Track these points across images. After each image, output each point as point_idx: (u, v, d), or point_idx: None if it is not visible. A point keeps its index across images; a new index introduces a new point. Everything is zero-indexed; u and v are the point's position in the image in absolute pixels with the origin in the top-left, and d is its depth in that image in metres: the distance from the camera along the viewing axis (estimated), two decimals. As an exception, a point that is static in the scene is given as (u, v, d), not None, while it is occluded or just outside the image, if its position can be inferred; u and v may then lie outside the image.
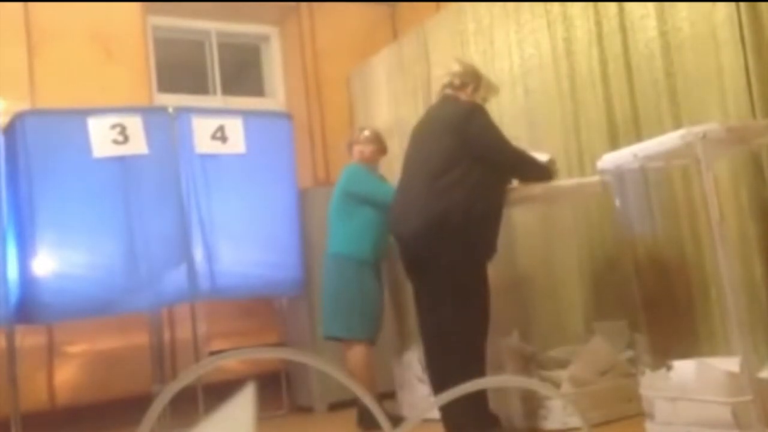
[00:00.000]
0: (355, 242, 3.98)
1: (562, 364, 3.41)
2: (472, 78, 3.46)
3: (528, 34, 4.14)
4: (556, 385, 3.24)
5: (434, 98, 3.67)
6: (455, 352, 3.13)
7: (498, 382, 3.40)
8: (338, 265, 3.99)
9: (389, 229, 3.60)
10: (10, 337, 4.08)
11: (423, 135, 3.46)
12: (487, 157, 3.23)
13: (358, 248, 3.96)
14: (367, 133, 4.26)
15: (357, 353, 3.89)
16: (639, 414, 2.97)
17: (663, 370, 2.90)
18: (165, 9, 5.39)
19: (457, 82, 3.44)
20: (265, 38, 6.08)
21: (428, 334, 3.31)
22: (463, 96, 3.41)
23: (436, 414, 3.13)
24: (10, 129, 4.19)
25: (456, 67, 3.50)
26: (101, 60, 4.99)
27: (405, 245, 3.37)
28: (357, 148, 4.19)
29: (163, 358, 4.54)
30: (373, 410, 1.64)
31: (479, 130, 3.26)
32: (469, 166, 3.19)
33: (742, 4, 3.04)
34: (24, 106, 4.45)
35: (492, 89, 3.59)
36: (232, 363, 4.34)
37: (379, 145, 4.23)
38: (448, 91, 3.46)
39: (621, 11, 3.58)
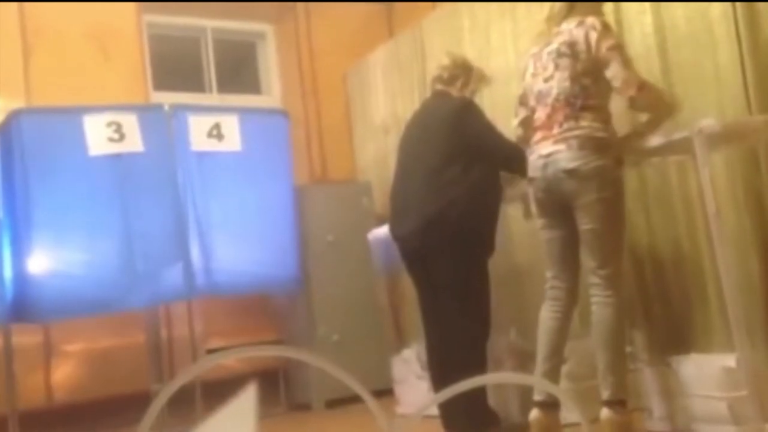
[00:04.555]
0: None
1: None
2: (462, 71, 3.44)
3: (524, 31, 4.13)
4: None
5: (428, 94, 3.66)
6: (457, 349, 3.13)
7: (497, 378, 3.40)
8: None
9: (390, 228, 3.55)
10: (7, 336, 4.07)
11: (416, 132, 3.45)
12: (480, 152, 3.22)
13: None
14: None
15: None
16: (637, 409, 2.98)
17: (661, 366, 2.90)
18: (160, 7, 5.37)
19: (446, 75, 3.42)
20: (261, 36, 6.06)
21: (430, 332, 3.31)
22: (454, 91, 3.40)
23: (435, 411, 3.13)
24: (6, 127, 4.17)
25: (445, 61, 3.49)
26: (97, 58, 4.98)
27: (405, 244, 3.36)
28: None
29: (160, 357, 4.54)
30: (370, 406, 1.64)
31: (471, 126, 3.26)
32: (464, 163, 3.18)
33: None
34: (19, 104, 4.43)
35: (483, 80, 3.56)
36: (230, 361, 4.33)
37: None
38: (439, 86, 3.45)
39: (617, 8, 3.57)
